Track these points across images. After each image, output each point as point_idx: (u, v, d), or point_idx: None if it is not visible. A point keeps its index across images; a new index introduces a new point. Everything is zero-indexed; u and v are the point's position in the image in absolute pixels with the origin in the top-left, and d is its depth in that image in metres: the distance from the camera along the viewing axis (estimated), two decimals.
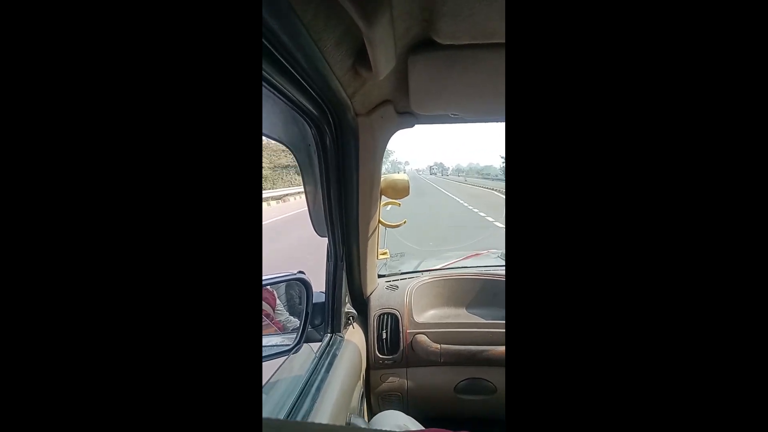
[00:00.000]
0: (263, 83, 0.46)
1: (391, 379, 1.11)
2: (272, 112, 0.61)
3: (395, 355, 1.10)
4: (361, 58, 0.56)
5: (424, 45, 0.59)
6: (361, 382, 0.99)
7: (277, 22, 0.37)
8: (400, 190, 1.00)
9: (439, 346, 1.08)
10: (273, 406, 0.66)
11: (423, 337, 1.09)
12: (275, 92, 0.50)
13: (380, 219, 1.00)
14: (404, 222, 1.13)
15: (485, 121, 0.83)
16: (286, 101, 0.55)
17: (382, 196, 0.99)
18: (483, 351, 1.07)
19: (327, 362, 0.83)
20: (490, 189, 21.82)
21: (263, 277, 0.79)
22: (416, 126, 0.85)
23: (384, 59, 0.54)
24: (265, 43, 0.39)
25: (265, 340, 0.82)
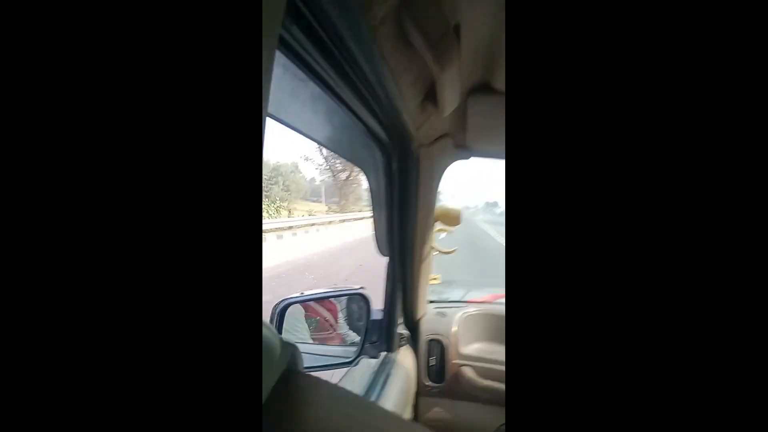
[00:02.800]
0: (353, 116, 0.56)
1: (435, 409, 1.10)
2: (354, 140, 0.71)
3: (441, 384, 1.09)
4: (429, 95, 0.66)
5: (483, 88, 0.68)
6: (410, 407, 1.00)
7: (369, 67, 0.46)
8: (452, 218, 1.06)
9: (484, 382, 1.06)
10: None
11: (470, 371, 1.08)
12: (361, 122, 0.60)
13: (433, 244, 1.05)
14: (456, 249, 1.17)
15: None
16: (366, 131, 0.65)
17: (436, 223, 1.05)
18: None
19: (381, 380, 0.85)
20: None
21: (328, 290, 0.86)
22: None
23: (450, 99, 0.63)
24: (358, 84, 0.48)
25: (329, 350, 0.87)
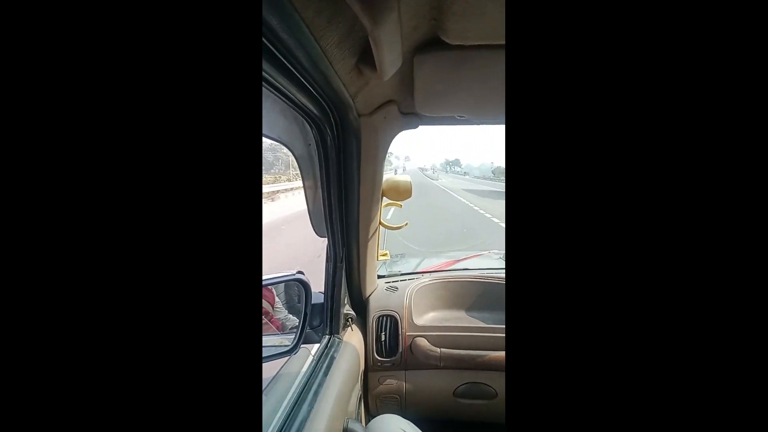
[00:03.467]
0: (262, 83, 0.45)
1: (389, 381, 1.11)
2: (271, 112, 0.60)
3: (394, 358, 1.09)
4: (364, 57, 0.55)
5: (431, 44, 0.58)
6: (359, 385, 0.99)
7: (277, 20, 0.35)
8: (402, 192, 0.99)
9: (438, 350, 1.07)
10: (270, 411, 0.65)
11: (423, 341, 1.08)
12: (274, 91, 0.49)
13: (381, 220, 0.99)
14: (405, 224, 1.12)
15: (492, 123, 0.81)
16: (286, 101, 0.54)
17: (384, 198, 0.98)
18: (484, 355, 1.05)
19: (325, 365, 0.82)
20: None
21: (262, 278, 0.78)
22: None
23: (389, 59, 0.52)
24: (264, 41, 0.37)
25: (264, 341, 0.82)
